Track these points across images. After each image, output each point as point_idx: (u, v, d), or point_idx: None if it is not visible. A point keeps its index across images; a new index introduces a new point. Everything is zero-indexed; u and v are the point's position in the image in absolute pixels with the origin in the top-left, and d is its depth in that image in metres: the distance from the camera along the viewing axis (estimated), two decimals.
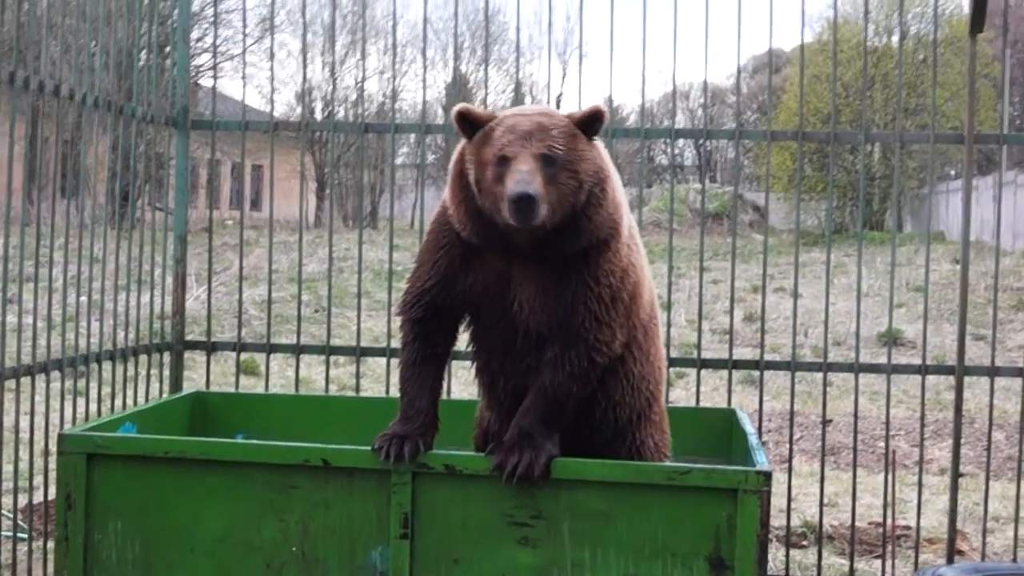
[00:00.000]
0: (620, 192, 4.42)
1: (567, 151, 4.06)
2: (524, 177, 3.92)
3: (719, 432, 5.53)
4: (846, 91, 36.22)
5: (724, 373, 6.97)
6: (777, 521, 7.20)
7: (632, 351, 4.56)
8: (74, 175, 6.39)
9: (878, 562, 7.09)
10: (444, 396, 4.96)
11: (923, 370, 6.69)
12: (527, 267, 4.29)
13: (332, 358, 7.39)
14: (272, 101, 7.80)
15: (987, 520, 6.85)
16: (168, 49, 7.50)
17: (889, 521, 6.99)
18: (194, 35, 33.42)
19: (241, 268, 7.33)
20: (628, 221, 4.48)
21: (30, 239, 5.83)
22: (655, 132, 7.42)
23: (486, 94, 9.61)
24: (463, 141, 4.26)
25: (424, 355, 4.47)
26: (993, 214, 13.38)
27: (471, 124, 4.20)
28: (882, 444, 10.52)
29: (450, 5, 53.22)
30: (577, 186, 4.08)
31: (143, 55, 6.85)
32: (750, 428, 5.07)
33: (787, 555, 6.85)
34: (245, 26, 7.46)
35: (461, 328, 4.57)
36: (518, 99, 8.31)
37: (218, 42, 35.54)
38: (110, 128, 6.44)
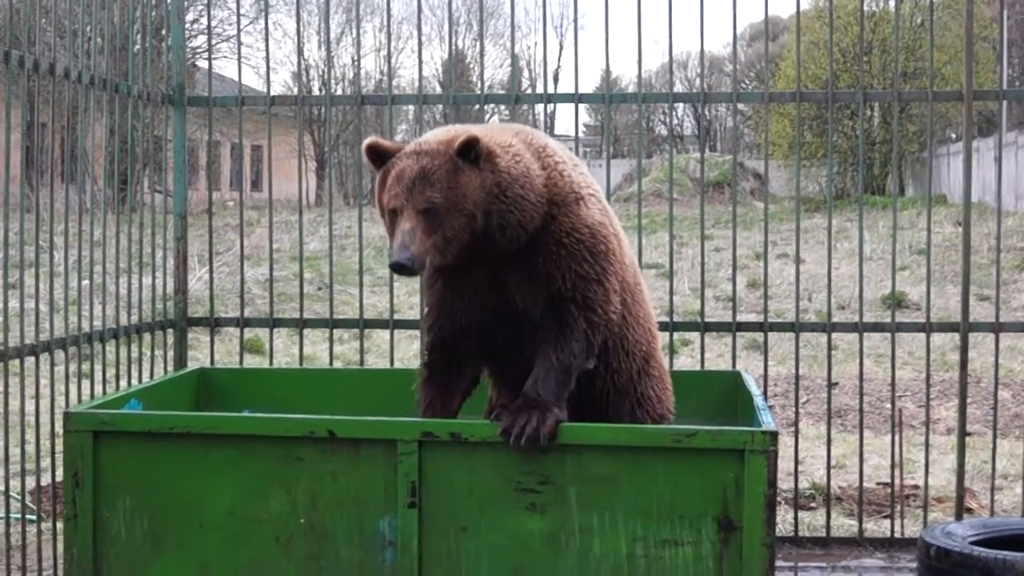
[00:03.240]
0: (560, 166, 4.47)
1: (449, 192, 4.15)
2: (403, 239, 4.11)
3: (725, 395, 5.52)
4: (844, 56, 36.14)
5: (729, 340, 6.98)
6: (785, 484, 7.20)
7: (623, 315, 4.61)
8: (73, 159, 6.38)
9: (887, 522, 7.10)
10: None
11: (927, 328, 6.69)
12: (508, 262, 4.36)
13: (336, 335, 7.39)
14: (268, 80, 7.74)
15: (995, 477, 6.86)
16: (163, 31, 7.47)
17: (897, 481, 7.00)
18: (189, 17, 33.35)
19: (242, 247, 7.33)
20: (583, 185, 4.51)
21: (31, 225, 5.82)
22: (652, 97, 7.41)
23: (482, 70, 9.57)
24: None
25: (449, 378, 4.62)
26: (994, 175, 13.35)
27: (380, 156, 4.35)
28: (888, 405, 10.52)
29: None
30: (468, 218, 4.18)
31: (138, 37, 6.83)
32: (755, 390, 5.07)
33: (796, 516, 6.86)
34: (239, 5, 7.40)
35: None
36: (515, 74, 8.29)
37: (213, 23, 35.48)
38: (106, 108, 6.42)
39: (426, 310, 4.69)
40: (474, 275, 4.42)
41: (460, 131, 4.28)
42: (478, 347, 4.58)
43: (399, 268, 4.11)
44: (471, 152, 4.18)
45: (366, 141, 4.37)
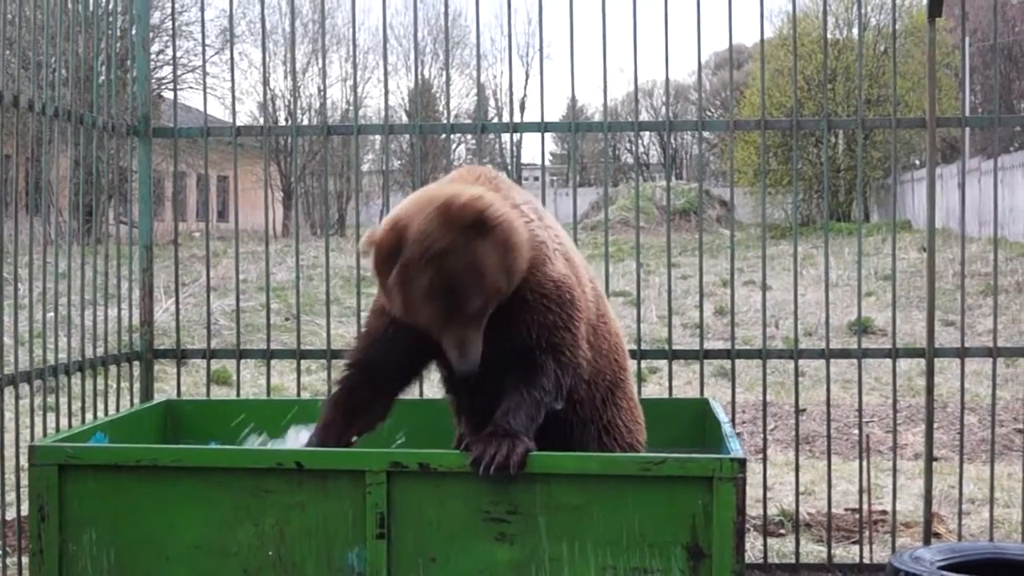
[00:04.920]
0: (537, 218, 4.44)
1: (482, 286, 4.03)
2: (465, 352, 4.08)
3: (692, 422, 5.52)
4: (808, 84, 36.39)
5: (696, 367, 6.98)
6: (754, 511, 7.21)
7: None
8: (37, 191, 6.35)
9: (856, 547, 7.11)
10: (418, 397, 4.97)
11: (894, 354, 6.72)
12: None
13: (304, 366, 7.37)
14: (234, 110, 7.75)
15: (962, 502, 6.89)
16: (129, 63, 7.45)
17: (865, 507, 7.01)
18: (154, 48, 33.26)
19: (209, 278, 7.30)
20: (548, 239, 4.48)
21: None
22: (618, 125, 7.43)
23: (448, 99, 9.58)
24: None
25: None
26: (958, 201, 13.45)
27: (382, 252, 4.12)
28: (856, 431, 10.55)
29: (411, 11, 53.26)
30: (493, 288, 4.08)
31: (103, 69, 6.81)
32: (723, 417, 5.07)
33: (765, 543, 6.87)
34: (204, 36, 7.38)
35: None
36: (480, 103, 8.29)
37: (178, 54, 35.45)
38: (71, 140, 6.39)
39: (363, 330, 4.66)
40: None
41: (450, 199, 4.06)
42: (449, 383, 4.58)
43: (469, 376, 4.14)
44: (483, 225, 4.01)
45: (363, 242, 4.17)
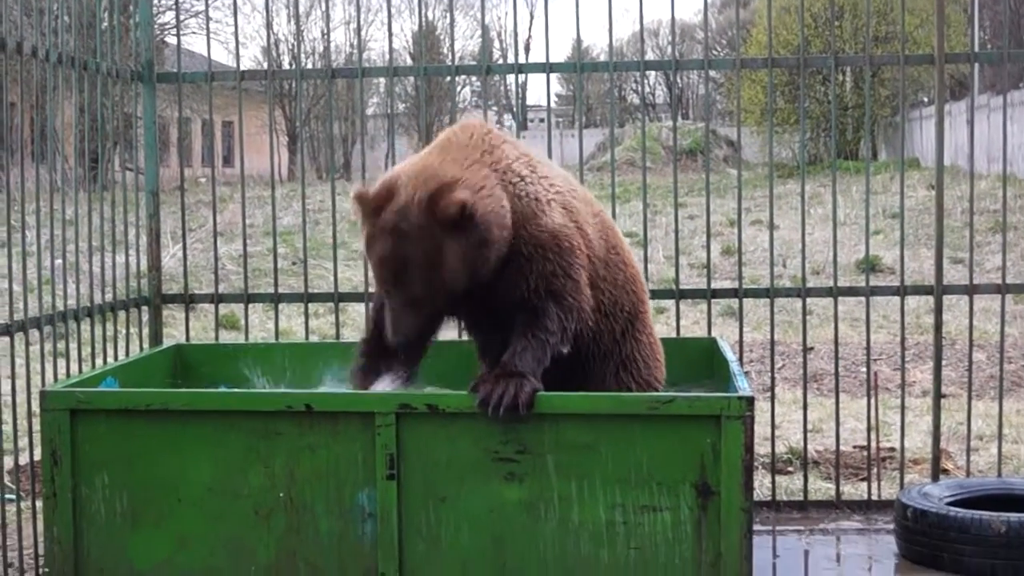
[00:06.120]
0: (520, 184, 4.50)
1: (431, 277, 4.23)
2: (394, 323, 4.31)
3: (701, 361, 5.55)
4: (815, 21, 36.12)
5: (704, 307, 6.99)
6: (762, 448, 7.23)
7: (597, 285, 4.68)
8: (42, 138, 6.34)
9: (864, 484, 7.14)
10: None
11: (902, 291, 6.71)
12: None
13: (311, 309, 7.38)
14: (238, 55, 7.71)
15: (971, 439, 6.90)
16: (131, 8, 7.41)
17: (873, 444, 7.04)
18: None
19: (215, 224, 7.29)
20: (541, 192, 4.55)
21: (2, 205, 5.78)
22: (624, 65, 7.39)
23: (452, 41, 9.53)
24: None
25: None
26: (967, 138, 13.38)
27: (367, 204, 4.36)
28: (864, 369, 10.58)
29: None
30: (454, 284, 4.27)
31: (106, 15, 6.77)
32: (731, 355, 5.09)
33: (773, 481, 6.90)
34: None
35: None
36: (485, 45, 8.25)
37: None
38: (75, 86, 6.38)
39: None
40: None
41: (441, 189, 4.23)
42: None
43: (397, 347, 4.37)
44: (459, 220, 4.18)
45: (352, 193, 4.41)
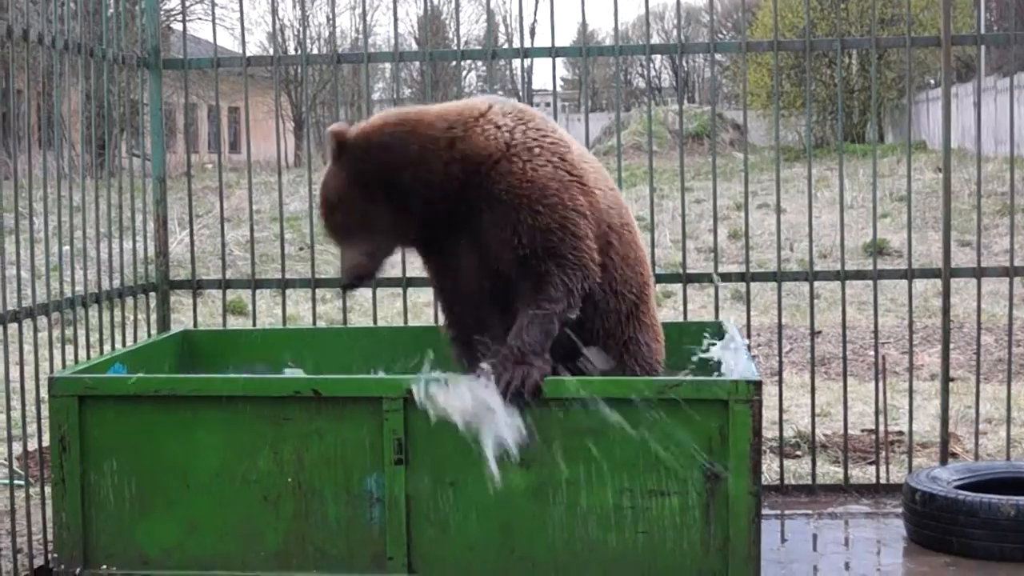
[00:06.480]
0: (486, 128, 4.53)
1: (337, 215, 4.47)
2: (340, 265, 4.52)
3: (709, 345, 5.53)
4: (821, 4, 36.03)
5: (711, 291, 6.98)
6: (770, 433, 7.22)
7: (609, 256, 4.65)
8: (49, 125, 6.33)
9: (872, 468, 7.13)
10: (431, 323, 4.99)
11: (909, 275, 6.70)
12: (468, 227, 4.49)
13: (319, 295, 7.38)
14: (243, 41, 7.69)
15: (979, 422, 6.89)
16: None
17: (882, 427, 7.03)
18: None
19: (222, 209, 7.29)
20: (519, 142, 4.53)
21: (9, 191, 5.78)
22: (629, 49, 7.37)
23: (458, 26, 9.52)
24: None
25: None
26: (974, 120, 13.32)
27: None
28: (872, 352, 10.57)
29: None
30: (365, 217, 4.45)
31: (112, 1, 6.77)
32: (740, 338, 5.08)
33: (781, 465, 6.89)
34: None
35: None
36: (491, 29, 8.26)
37: None
38: (81, 73, 6.37)
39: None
40: (448, 246, 4.56)
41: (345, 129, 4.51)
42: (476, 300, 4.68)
43: (344, 288, 4.67)
44: (336, 151, 4.43)
45: (332, 128, 4.53)
